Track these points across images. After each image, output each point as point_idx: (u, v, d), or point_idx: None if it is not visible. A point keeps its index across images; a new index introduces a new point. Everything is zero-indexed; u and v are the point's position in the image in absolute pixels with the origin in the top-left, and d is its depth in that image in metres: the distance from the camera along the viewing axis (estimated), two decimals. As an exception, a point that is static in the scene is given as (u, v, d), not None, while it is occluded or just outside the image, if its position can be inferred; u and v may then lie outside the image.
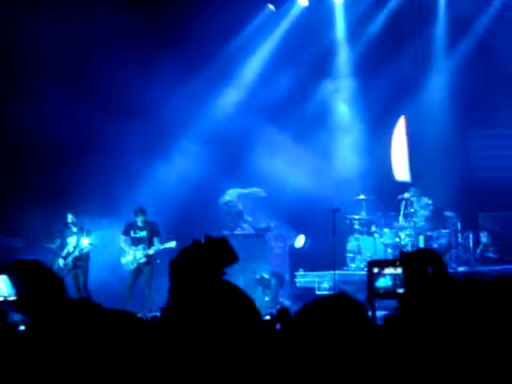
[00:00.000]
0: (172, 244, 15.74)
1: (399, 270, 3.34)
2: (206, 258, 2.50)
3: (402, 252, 3.26)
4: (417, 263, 3.17)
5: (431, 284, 3.13)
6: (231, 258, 2.54)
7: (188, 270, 2.54)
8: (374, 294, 3.44)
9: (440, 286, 3.17)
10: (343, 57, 20.06)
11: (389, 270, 3.42)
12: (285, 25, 19.76)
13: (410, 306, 3.17)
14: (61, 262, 15.90)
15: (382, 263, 3.45)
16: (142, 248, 15.92)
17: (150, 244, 15.94)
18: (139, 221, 16.02)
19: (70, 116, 17.54)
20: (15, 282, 4.15)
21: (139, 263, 15.95)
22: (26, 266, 3.97)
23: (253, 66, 19.75)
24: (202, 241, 2.62)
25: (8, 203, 16.47)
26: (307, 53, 19.38)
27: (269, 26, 19.71)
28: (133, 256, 15.99)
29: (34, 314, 2.70)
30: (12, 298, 4.13)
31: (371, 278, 3.40)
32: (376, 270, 3.44)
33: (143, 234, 16.01)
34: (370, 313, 3.69)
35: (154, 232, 16.04)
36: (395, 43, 19.50)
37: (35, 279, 3.62)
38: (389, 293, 3.39)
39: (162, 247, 15.80)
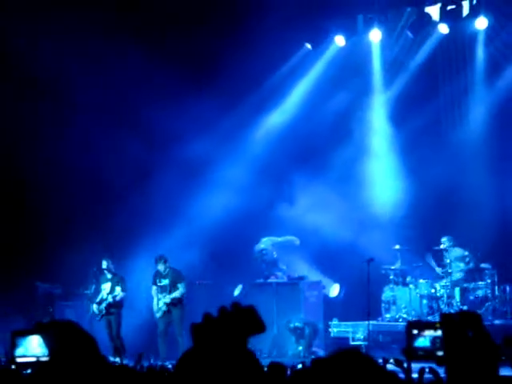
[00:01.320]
0: (177, 293, 15.84)
1: (439, 332, 3.30)
2: (232, 328, 2.49)
3: (442, 314, 3.22)
4: (456, 326, 3.13)
5: (471, 347, 3.09)
6: (258, 328, 2.53)
7: (212, 338, 2.53)
8: (412, 354, 3.40)
9: (480, 349, 3.14)
10: (379, 98, 20.07)
11: (428, 332, 3.38)
12: (321, 64, 19.85)
13: (451, 370, 3.14)
14: (95, 307, 15.98)
15: (422, 325, 3.41)
16: (163, 296, 16.03)
17: (172, 291, 16.02)
18: (161, 269, 16.12)
19: (113, 158, 17.81)
20: (49, 343, 4.18)
21: (163, 311, 16.01)
22: (60, 327, 3.99)
23: (287, 107, 19.84)
24: (229, 308, 2.61)
25: (46, 250, 16.65)
26: (343, 93, 19.42)
27: (305, 65, 19.82)
28: (157, 305, 16.11)
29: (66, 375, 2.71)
30: (45, 359, 4.17)
31: (410, 338, 3.36)
32: (415, 332, 3.40)
33: (166, 281, 16.15)
34: (405, 371, 3.66)
35: (176, 278, 16.11)
36: (431, 84, 19.45)
37: (69, 341, 3.64)
38: (427, 354, 3.35)
39: (172, 296, 15.88)
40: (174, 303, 15.98)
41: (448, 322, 3.21)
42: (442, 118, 19.70)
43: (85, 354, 2.74)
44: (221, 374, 2.47)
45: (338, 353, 2.67)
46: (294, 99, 19.96)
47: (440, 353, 3.26)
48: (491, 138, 18.91)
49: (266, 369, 7.48)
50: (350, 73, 19.63)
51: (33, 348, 4.55)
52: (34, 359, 4.44)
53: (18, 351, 4.56)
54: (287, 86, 19.82)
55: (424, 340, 3.35)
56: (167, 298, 15.97)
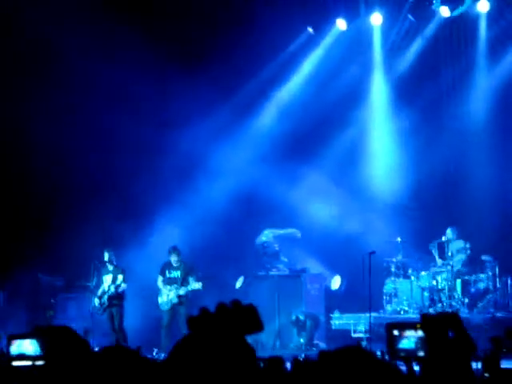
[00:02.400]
0: (198, 285, 15.78)
1: (420, 333, 3.32)
2: (229, 325, 2.49)
3: (422, 315, 3.24)
4: (437, 327, 3.15)
5: (452, 348, 3.11)
6: (256, 327, 2.53)
7: (208, 333, 2.54)
8: (395, 355, 3.42)
9: (461, 349, 3.16)
10: (380, 82, 20.03)
11: (409, 333, 3.40)
12: (322, 48, 19.83)
13: (431, 370, 3.16)
14: (96, 301, 15.99)
15: (402, 325, 3.43)
16: (175, 288, 15.95)
17: (184, 283, 15.96)
18: (173, 260, 16.08)
19: (104, 156, 17.80)
20: (44, 347, 4.22)
21: (173, 304, 15.97)
22: (56, 332, 4.03)
23: (287, 92, 19.80)
24: (229, 305, 2.60)
25: (48, 243, 16.67)
26: (343, 77, 19.38)
27: (307, 50, 19.80)
28: (167, 296, 16.03)
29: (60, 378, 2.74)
30: (40, 363, 4.21)
31: (391, 340, 3.37)
32: (396, 333, 3.41)
33: (177, 274, 16.05)
34: (406, 363, 3.70)
35: (188, 271, 16.05)
36: (433, 67, 19.40)
37: (64, 345, 3.68)
38: (410, 355, 3.37)
39: (190, 288, 15.83)
40: (187, 296, 15.92)
41: (428, 323, 3.23)
42: (444, 101, 19.65)
43: (79, 358, 2.77)
44: (213, 367, 2.47)
45: (343, 348, 2.69)
46: (294, 85, 19.92)
47: (421, 353, 3.28)
48: (493, 121, 18.84)
49: (265, 362, 7.50)
50: (351, 57, 19.60)
51: (28, 352, 4.59)
52: (29, 363, 4.49)
53: (14, 354, 4.59)
54: (288, 72, 19.79)
55: (408, 342, 3.36)
56: (182, 290, 15.90)
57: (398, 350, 3.38)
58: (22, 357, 4.62)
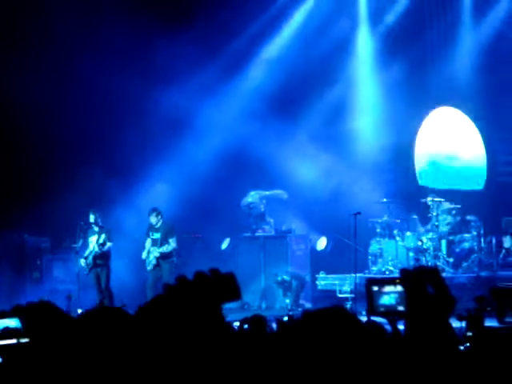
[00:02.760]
0: (169, 248, 15.82)
1: (399, 288, 3.31)
2: (208, 294, 2.46)
3: (401, 270, 3.23)
4: (416, 282, 3.15)
5: (432, 303, 3.11)
6: (234, 296, 2.50)
7: (185, 302, 2.50)
8: (375, 311, 3.41)
9: (441, 304, 3.16)
10: (366, 35, 19.92)
11: (389, 288, 3.39)
12: (306, 6, 19.63)
13: (411, 326, 3.16)
14: (82, 261, 16.00)
15: (381, 281, 3.42)
16: (153, 250, 16.02)
17: (163, 245, 15.99)
18: (153, 222, 16.10)
19: (89, 114, 17.68)
20: (27, 325, 4.22)
21: (153, 265, 16.03)
22: (37, 310, 4.02)
23: (270, 53, 19.59)
24: (207, 273, 2.56)
25: (33, 204, 16.59)
26: (331, 32, 19.19)
27: (290, 8, 19.59)
28: (147, 258, 16.09)
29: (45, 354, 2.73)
30: (25, 341, 4.20)
31: (370, 295, 3.37)
32: (376, 288, 3.40)
33: (157, 235, 16.08)
34: (391, 322, 3.71)
35: (168, 232, 16.07)
36: (419, 21, 19.29)
37: (46, 323, 3.67)
38: (390, 311, 3.36)
39: (162, 250, 15.86)
40: (164, 257, 15.95)
41: (408, 278, 3.22)
42: (429, 57, 19.56)
43: (62, 334, 2.75)
44: (184, 332, 2.45)
45: (325, 308, 2.68)
46: (281, 41, 19.68)
47: (401, 307, 3.27)
48: (479, 78, 18.78)
49: (248, 322, 7.52)
50: (336, 15, 19.39)
51: (11, 330, 4.56)
52: (14, 341, 4.46)
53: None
54: (275, 27, 19.56)
55: (388, 298, 3.35)
56: (156, 252, 15.96)
57: (377, 306, 3.36)
58: (5, 335, 4.60)
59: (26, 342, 4.22)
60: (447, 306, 3.07)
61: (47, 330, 2.93)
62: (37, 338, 3.16)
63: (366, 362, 2.50)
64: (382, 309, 3.35)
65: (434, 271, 3.11)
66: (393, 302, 3.38)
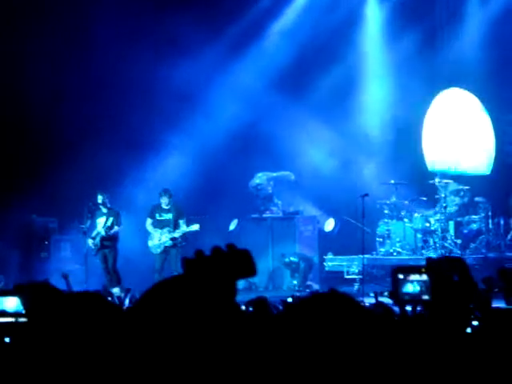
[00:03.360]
0: (196, 227, 15.79)
1: (424, 277, 3.31)
2: (224, 268, 2.48)
3: (427, 259, 3.23)
4: (442, 271, 3.15)
5: (456, 292, 3.11)
6: (250, 272, 2.51)
7: (203, 274, 2.52)
8: (399, 299, 3.42)
9: (465, 293, 3.16)
10: (374, 11, 19.76)
11: (414, 277, 3.39)
12: None
13: (435, 313, 3.16)
14: (90, 242, 16.00)
15: (407, 269, 3.42)
16: (167, 231, 15.93)
17: (176, 226, 15.96)
18: (164, 203, 16.04)
19: (98, 90, 17.62)
20: (26, 304, 4.23)
21: (165, 246, 15.98)
22: (37, 289, 4.03)
23: (274, 31, 19.39)
24: (224, 249, 2.58)
25: (42, 184, 16.60)
26: (335, 13, 19.06)
27: None
28: (158, 239, 16.03)
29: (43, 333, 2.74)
30: (23, 320, 4.22)
31: (396, 283, 3.37)
32: (401, 276, 3.41)
33: (169, 216, 16.02)
34: (399, 304, 3.73)
35: (179, 214, 16.03)
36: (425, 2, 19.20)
37: (45, 302, 3.66)
38: (415, 299, 3.37)
39: (187, 230, 15.83)
40: (180, 238, 15.93)
41: (433, 267, 3.22)
42: (438, 33, 19.45)
43: (62, 314, 2.75)
44: (202, 308, 2.46)
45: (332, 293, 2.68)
46: (280, 24, 19.52)
47: (426, 297, 3.27)
48: (487, 55, 18.67)
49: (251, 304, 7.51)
50: None
51: (10, 309, 4.58)
52: (12, 319, 4.47)
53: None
54: (275, 11, 19.43)
55: (413, 286, 3.36)
56: (177, 233, 15.84)
57: (402, 294, 3.38)
58: (3, 314, 4.61)
59: (24, 322, 4.25)
60: (470, 294, 3.09)
61: (44, 309, 2.94)
62: (34, 318, 3.18)
63: (371, 344, 2.49)
64: (407, 297, 3.37)
65: (459, 260, 3.12)
66: (417, 290, 3.39)
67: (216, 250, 2.52)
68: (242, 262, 2.47)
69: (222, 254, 2.50)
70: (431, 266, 3.19)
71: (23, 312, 4.42)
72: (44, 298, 3.93)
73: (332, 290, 2.54)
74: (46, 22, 17.15)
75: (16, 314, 4.50)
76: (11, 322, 4.44)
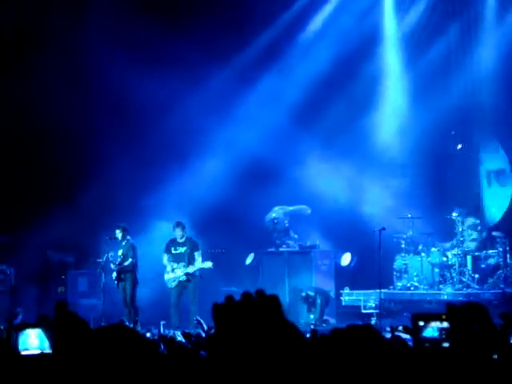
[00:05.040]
0: (209, 264, 15.83)
1: (445, 324, 3.30)
2: (254, 316, 2.48)
3: (448, 306, 3.22)
4: (463, 318, 3.13)
5: (477, 340, 3.09)
6: (278, 319, 2.51)
7: (234, 321, 2.53)
8: (420, 345, 3.41)
9: (487, 342, 3.14)
10: (391, 33, 19.76)
11: (435, 324, 3.38)
12: (329, 7, 19.44)
13: (455, 362, 3.15)
14: (114, 274, 16.04)
15: (428, 316, 3.41)
16: (182, 266, 15.99)
17: (191, 259, 15.99)
18: (178, 236, 16.11)
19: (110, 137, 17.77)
20: (52, 336, 4.24)
21: (180, 281, 16.02)
22: (63, 322, 4.04)
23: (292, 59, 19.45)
24: (253, 295, 2.59)
25: (59, 220, 16.68)
26: (352, 35, 19.01)
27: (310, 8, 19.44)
28: (173, 274, 16.07)
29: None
30: (48, 351, 4.22)
31: (416, 330, 3.36)
32: (421, 323, 3.39)
33: (183, 249, 16.09)
34: (414, 338, 3.71)
35: (194, 247, 16.10)
36: (442, 20, 19.12)
37: (71, 334, 3.68)
38: (434, 345, 3.35)
39: (200, 266, 15.87)
40: (194, 273, 15.97)
41: (454, 314, 3.21)
42: (453, 54, 19.39)
43: (86, 347, 2.77)
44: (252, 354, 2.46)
45: (353, 327, 2.68)
46: (297, 54, 19.45)
47: (446, 344, 3.26)
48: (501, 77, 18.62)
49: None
50: (358, 15, 19.21)
51: (33, 341, 4.58)
52: (38, 351, 4.48)
53: (21, 344, 4.60)
54: (298, 28, 19.45)
55: (432, 330, 3.35)
56: (191, 268, 15.89)
57: (422, 340, 3.36)
58: (27, 347, 4.62)
59: (49, 353, 4.25)
60: (495, 343, 3.06)
61: (72, 342, 2.95)
62: (60, 350, 3.19)
63: (390, 377, 2.50)
64: (427, 344, 3.34)
65: (481, 308, 3.09)
66: (435, 335, 3.36)
67: (246, 296, 2.52)
68: (270, 309, 2.47)
69: (251, 300, 2.50)
70: (452, 313, 3.18)
71: (47, 344, 4.42)
72: (71, 330, 3.94)
73: (365, 324, 2.54)
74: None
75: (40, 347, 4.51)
76: (36, 355, 4.45)
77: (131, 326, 15.06)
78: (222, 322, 2.52)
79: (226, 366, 2.45)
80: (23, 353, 4.39)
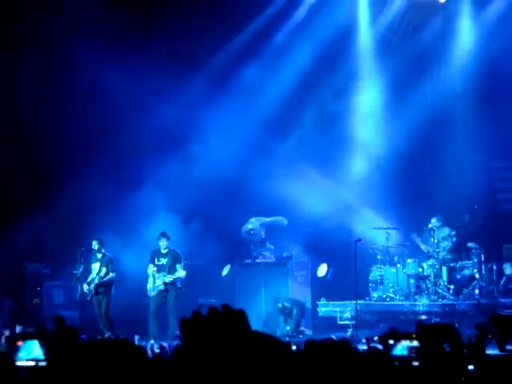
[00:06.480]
0: (182, 273, 15.89)
1: (415, 343, 3.33)
2: (220, 330, 2.51)
3: (419, 325, 3.25)
4: (433, 338, 3.17)
5: (446, 360, 3.13)
6: (244, 333, 2.54)
7: (200, 336, 2.55)
8: (390, 363, 3.43)
9: (455, 362, 3.18)
10: (364, 37, 19.75)
11: (405, 342, 3.41)
12: (304, 7, 19.42)
13: (425, 381, 3.18)
14: (85, 287, 16.02)
15: (398, 335, 3.44)
16: (162, 275, 16.02)
17: (171, 271, 16.01)
18: (162, 246, 16.12)
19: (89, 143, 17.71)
20: (47, 348, 4.23)
21: (159, 290, 16.04)
22: (60, 334, 4.05)
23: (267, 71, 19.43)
24: (220, 309, 2.62)
25: (34, 231, 16.60)
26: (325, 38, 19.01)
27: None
28: (153, 283, 16.09)
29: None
30: (43, 364, 4.22)
31: (387, 349, 3.39)
32: (391, 342, 3.42)
33: (165, 261, 16.12)
34: (387, 349, 3.73)
35: (176, 259, 16.12)
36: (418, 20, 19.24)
37: (67, 346, 3.69)
38: (403, 364, 3.38)
39: (175, 276, 15.90)
40: (174, 283, 15.98)
41: (424, 333, 3.24)
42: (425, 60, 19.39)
43: (81, 359, 2.79)
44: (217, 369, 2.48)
45: (329, 342, 2.70)
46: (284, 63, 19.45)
47: (416, 363, 3.29)
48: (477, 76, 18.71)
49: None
50: (333, 17, 19.23)
51: (33, 351, 4.58)
52: (32, 363, 4.48)
53: (19, 355, 4.60)
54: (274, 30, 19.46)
55: (402, 349, 3.37)
56: (168, 278, 15.92)
57: (392, 359, 3.39)
58: (25, 357, 4.62)
59: (44, 366, 4.25)
60: (462, 364, 3.09)
61: (68, 355, 2.97)
62: (56, 363, 3.20)
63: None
64: (397, 362, 3.37)
65: (450, 328, 3.12)
66: (405, 353, 3.40)
67: (213, 311, 2.55)
68: (237, 323, 2.49)
69: (218, 314, 2.54)
70: (422, 332, 3.21)
71: (42, 356, 4.42)
72: (69, 343, 3.94)
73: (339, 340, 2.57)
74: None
75: (37, 359, 4.50)
76: (32, 366, 4.45)
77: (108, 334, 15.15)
78: (188, 337, 2.55)
79: (192, 379, 2.47)
80: (19, 363, 4.40)
